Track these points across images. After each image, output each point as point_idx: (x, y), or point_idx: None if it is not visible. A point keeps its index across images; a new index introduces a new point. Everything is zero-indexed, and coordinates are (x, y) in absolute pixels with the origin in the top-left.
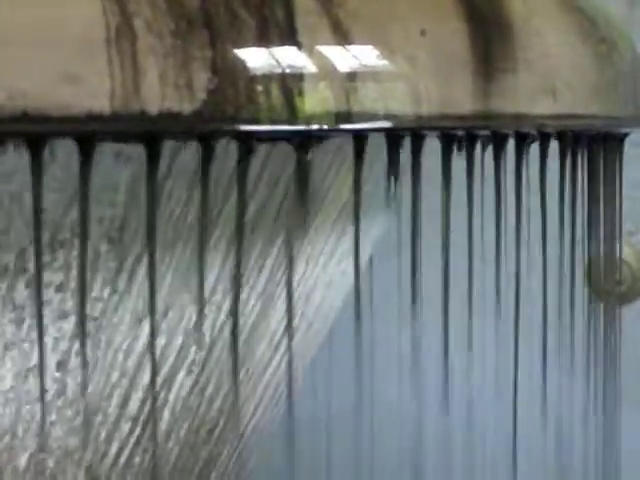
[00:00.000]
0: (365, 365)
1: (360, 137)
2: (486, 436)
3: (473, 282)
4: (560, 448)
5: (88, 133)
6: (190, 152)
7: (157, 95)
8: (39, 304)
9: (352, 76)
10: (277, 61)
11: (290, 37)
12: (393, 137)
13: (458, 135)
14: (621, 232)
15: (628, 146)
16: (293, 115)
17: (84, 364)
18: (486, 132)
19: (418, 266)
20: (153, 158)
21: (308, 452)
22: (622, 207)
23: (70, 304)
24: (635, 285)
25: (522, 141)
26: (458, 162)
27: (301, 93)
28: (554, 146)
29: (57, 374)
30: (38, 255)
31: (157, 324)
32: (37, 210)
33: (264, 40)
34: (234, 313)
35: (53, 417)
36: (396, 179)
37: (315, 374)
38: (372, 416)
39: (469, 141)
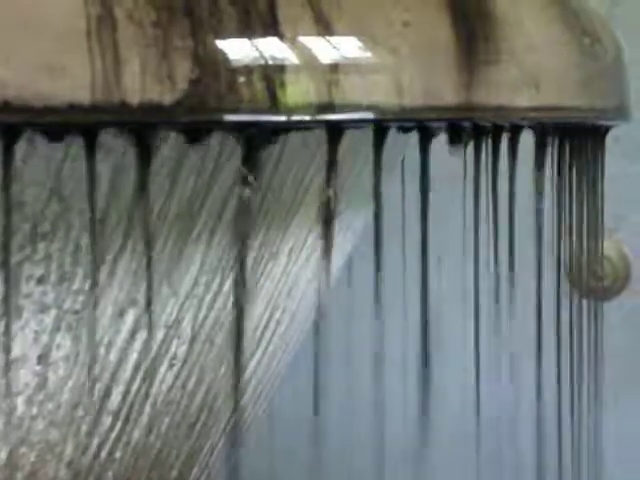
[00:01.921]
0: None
1: (339, 129)
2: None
3: (442, 278)
4: (543, 443)
5: (69, 124)
6: (170, 144)
7: (138, 86)
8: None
9: (334, 67)
10: (259, 52)
11: (272, 28)
12: (377, 129)
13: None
14: (603, 227)
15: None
16: (274, 106)
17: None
18: (468, 124)
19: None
20: (142, 150)
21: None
22: (604, 201)
23: (51, 297)
24: (616, 281)
25: (503, 133)
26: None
27: (283, 84)
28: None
29: (38, 367)
30: (6, 248)
31: (138, 318)
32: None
33: (246, 31)
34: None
35: (34, 411)
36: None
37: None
38: (352, 412)
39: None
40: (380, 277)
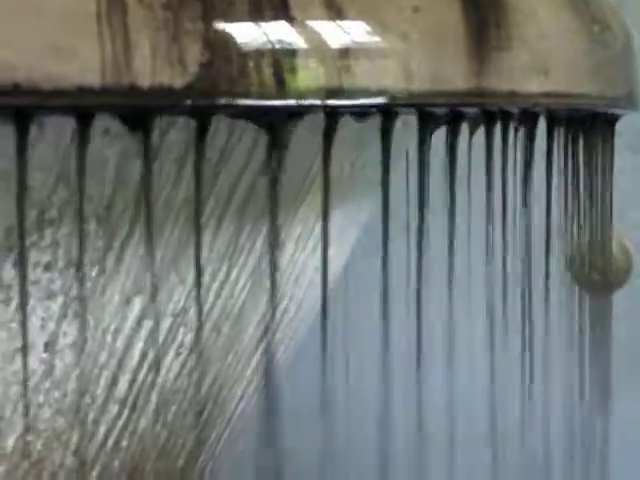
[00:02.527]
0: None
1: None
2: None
3: (454, 267)
4: (548, 439)
5: (79, 107)
6: (180, 129)
7: (148, 69)
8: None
9: (344, 52)
10: (269, 36)
11: (283, 12)
12: (385, 116)
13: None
14: (612, 217)
15: None
16: (284, 90)
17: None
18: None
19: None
20: (147, 134)
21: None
22: (612, 192)
23: (58, 284)
24: (617, 275)
25: (512, 120)
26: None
27: (293, 69)
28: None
29: (44, 355)
30: (21, 235)
31: (145, 306)
32: (22, 186)
33: (256, 14)
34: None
35: (40, 399)
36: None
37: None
38: (347, 412)
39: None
40: (387, 270)
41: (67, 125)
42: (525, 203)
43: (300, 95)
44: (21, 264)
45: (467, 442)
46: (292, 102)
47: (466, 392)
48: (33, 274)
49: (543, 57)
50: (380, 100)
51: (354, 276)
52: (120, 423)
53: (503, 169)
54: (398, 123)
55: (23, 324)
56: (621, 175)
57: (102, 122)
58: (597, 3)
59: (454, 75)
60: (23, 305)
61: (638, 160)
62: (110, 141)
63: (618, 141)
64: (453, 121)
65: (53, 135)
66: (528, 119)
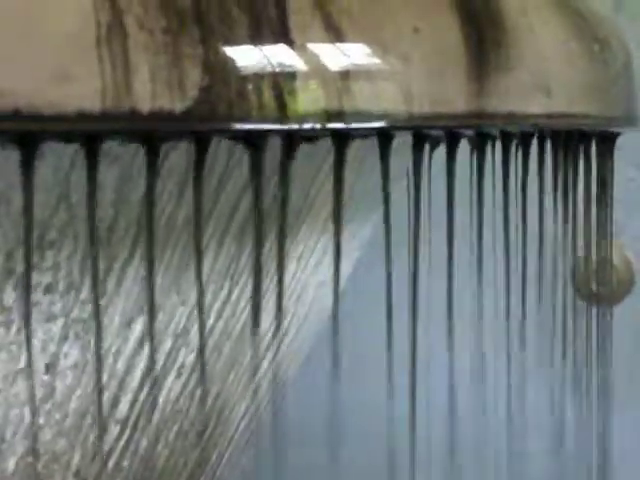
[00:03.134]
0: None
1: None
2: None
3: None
4: (553, 452)
5: (79, 132)
6: (181, 151)
7: (148, 93)
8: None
9: (344, 74)
10: (269, 59)
11: (282, 35)
12: (385, 137)
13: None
14: (612, 233)
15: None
16: (284, 114)
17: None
18: (479, 131)
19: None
20: (151, 157)
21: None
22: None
23: (59, 306)
24: (619, 287)
25: (512, 141)
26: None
27: (292, 91)
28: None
29: (45, 377)
30: (28, 257)
31: (146, 326)
32: (29, 210)
33: (256, 38)
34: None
35: (41, 420)
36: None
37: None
38: (352, 420)
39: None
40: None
41: (67, 148)
42: (524, 219)
43: (301, 118)
44: (26, 286)
45: (471, 448)
46: (293, 126)
47: (468, 402)
48: (34, 296)
49: (543, 77)
50: (381, 123)
51: (357, 292)
52: (121, 443)
53: (505, 186)
54: (397, 143)
55: (28, 343)
56: (621, 187)
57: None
58: (596, 20)
59: (454, 97)
60: (28, 327)
61: (638, 173)
62: (110, 163)
63: (617, 154)
64: (451, 141)
65: (53, 157)
66: (528, 138)
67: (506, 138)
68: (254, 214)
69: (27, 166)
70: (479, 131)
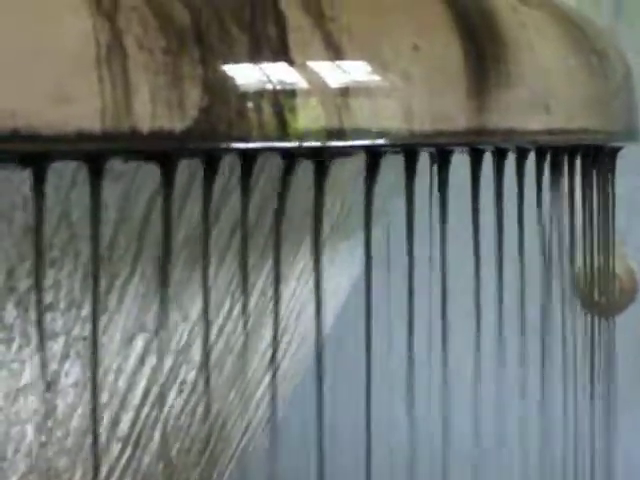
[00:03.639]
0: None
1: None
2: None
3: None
4: (555, 461)
5: (80, 152)
6: (179, 168)
7: (148, 113)
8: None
9: (344, 92)
10: (268, 77)
11: (282, 53)
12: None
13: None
14: (614, 246)
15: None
16: (284, 132)
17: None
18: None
19: (413, 285)
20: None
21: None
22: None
23: (60, 324)
24: (622, 297)
25: (511, 154)
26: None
27: (293, 109)
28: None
29: (47, 394)
30: (38, 277)
31: (147, 343)
32: (39, 229)
33: (256, 56)
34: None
35: (43, 438)
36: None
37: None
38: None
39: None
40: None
41: (68, 167)
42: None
43: (301, 137)
44: (38, 305)
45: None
46: (294, 144)
47: (472, 410)
48: (35, 314)
49: (543, 93)
50: (381, 141)
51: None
52: (122, 462)
53: (498, 198)
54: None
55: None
56: (625, 196)
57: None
58: (595, 33)
59: (455, 114)
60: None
61: None
62: (111, 182)
63: (620, 162)
64: (442, 159)
65: (54, 176)
66: (528, 153)
67: (501, 154)
68: (240, 229)
69: (35, 186)
70: (482, 147)
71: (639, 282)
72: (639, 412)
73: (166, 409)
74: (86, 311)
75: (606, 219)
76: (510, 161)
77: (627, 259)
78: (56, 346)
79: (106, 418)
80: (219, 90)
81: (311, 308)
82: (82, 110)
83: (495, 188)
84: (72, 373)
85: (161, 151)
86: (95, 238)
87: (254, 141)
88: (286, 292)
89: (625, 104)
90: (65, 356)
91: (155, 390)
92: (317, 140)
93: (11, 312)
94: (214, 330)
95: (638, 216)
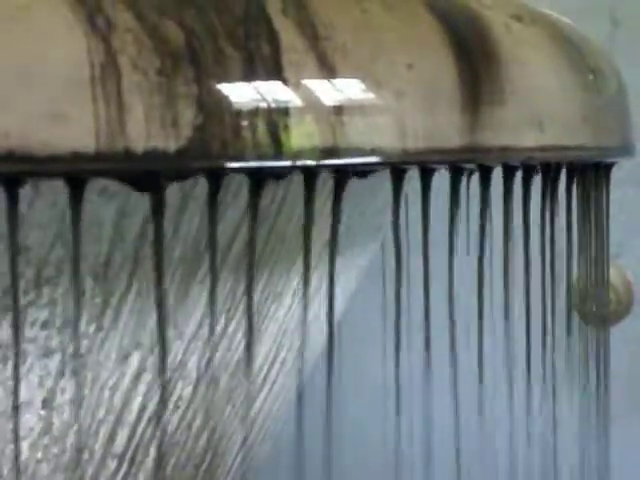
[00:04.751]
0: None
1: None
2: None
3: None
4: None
5: (74, 173)
6: (174, 186)
7: (142, 133)
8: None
9: (338, 110)
10: (262, 96)
11: (276, 72)
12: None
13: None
14: (609, 257)
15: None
16: (279, 150)
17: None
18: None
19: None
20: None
21: None
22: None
23: (56, 341)
24: (619, 307)
25: (509, 173)
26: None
27: (287, 128)
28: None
29: (42, 412)
30: (15, 294)
31: (143, 361)
32: (15, 248)
33: (250, 75)
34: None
35: (39, 455)
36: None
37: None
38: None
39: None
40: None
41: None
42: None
43: (295, 155)
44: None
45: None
46: (287, 163)
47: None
48: (30, 332)
49: (537, 110)
50: (375, 159)
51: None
52: (119, 478)
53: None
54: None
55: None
56: (621, 208)
57: (99, 182)
58: (588, 48)
59: (448, 132)
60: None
61: (636, 194)
62: (107, 200)
63: (617, 174)
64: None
65: (49, 194)
66: (522, 170)
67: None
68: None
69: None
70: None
71: (635, 293)
72: (632, 426)
73: (162, 425)
74: (81, 328)
75: (601, 233)
76: (497, 178)
77: (624, 270)
78: (52, 363)
79: (102, 435)
80: (213, 109)
81: (307, 323)
82: (76, 130)
83: (480, 203)
84: (68, 390)
85: (150, 174)
86: (76, 260)
87: (248, 160)
88: (281, 309)
89: (619, 120)
90: (61, 373)
91: (151, 407)
92: (311, 159)
93: (6, 331)
94: (209, 346)
95: (633, 228)
